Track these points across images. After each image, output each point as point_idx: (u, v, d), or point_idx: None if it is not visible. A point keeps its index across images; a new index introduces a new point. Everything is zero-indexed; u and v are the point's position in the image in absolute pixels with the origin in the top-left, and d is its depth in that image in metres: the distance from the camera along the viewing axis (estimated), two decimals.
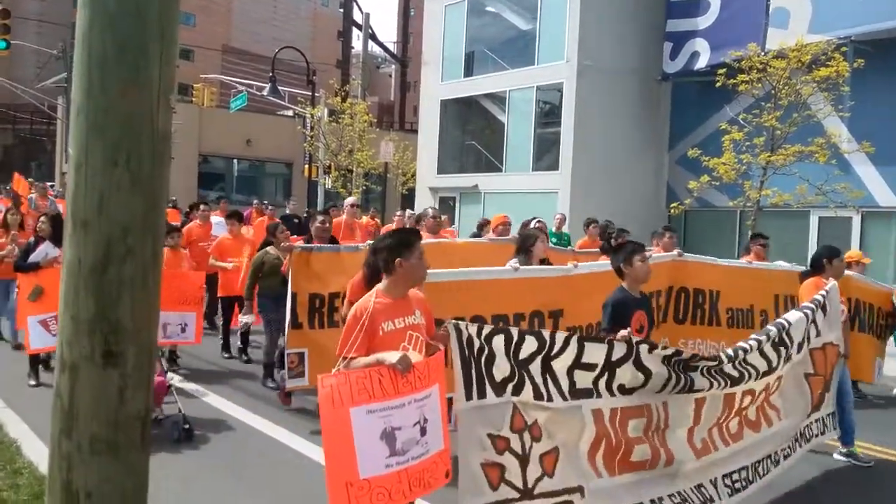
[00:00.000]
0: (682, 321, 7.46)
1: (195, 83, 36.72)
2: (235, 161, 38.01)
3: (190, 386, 7.84)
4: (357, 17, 38.60)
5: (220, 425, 6.56)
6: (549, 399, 3.69)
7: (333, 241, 7.76)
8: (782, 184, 13.89)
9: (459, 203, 22.74)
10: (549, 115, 20.86)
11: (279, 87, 24.63)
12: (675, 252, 7.70)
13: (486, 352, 3.59)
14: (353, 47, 43.30)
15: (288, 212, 14.55)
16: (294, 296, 6.52)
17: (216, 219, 11.77)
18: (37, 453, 5.27)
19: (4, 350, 8.74)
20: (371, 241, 7.20)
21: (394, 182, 28.18)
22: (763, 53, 13.93)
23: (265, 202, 17.21)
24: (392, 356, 3.38)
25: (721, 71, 13.98)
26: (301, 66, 33.63)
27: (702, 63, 18.27)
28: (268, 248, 7.97)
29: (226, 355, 9.37)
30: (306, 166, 27.29)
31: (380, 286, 3.76)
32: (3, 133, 57.11)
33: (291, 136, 34.37)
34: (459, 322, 3.60)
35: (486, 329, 3.63)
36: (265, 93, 24.36)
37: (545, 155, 20.57)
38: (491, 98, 22.19)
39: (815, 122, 14.04)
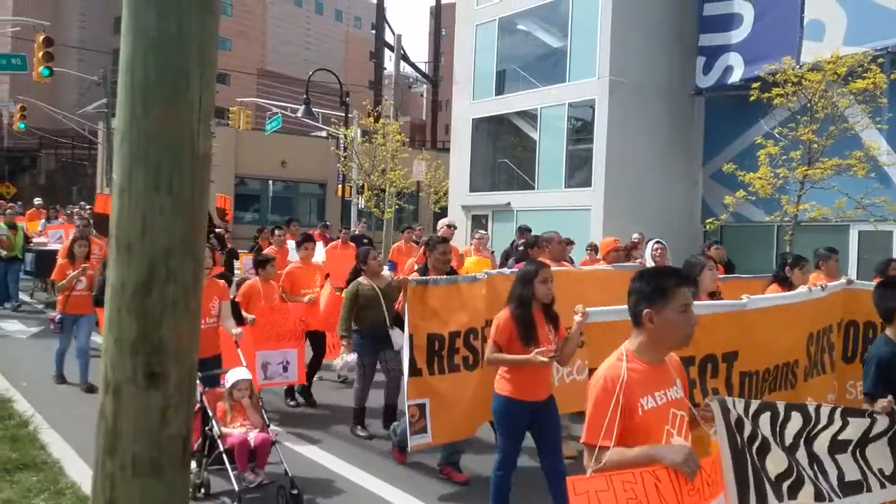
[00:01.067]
0: (850, 359, 6.30)
1: (231, 106, 37.44)
2: (270, 182, 38.52)
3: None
4: (389, 38, 39.07)
5: (328, 488, 5.68)
6: (830, 500, 2.97)
7: (453, 271, 6.71)
8: (820, 198, 13.66)
9: (492, 221, 22.75)
10: (580, 131, 20.83)
11: (313, 109, 24.94)
12: (844, 280, 6.50)
13: (758, 438, 2.82)
14: (384, 68, 43.82)
15: (357, 232, 13.92)
16: (410, 337, 5.58)
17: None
18: (79, 473, 5.33)
19: (47, 370, 8.86)
20: (491, 270, 6.51)
21: (426, 201, 28.31)
22: (798, 66, 13.78)
23: (326, 223, 16.55)
24: (670, 452, 2.52)
25: (755, 85, 13.85)
26: (334, 88, 34.08)
27: (735, 77, 18.13)
28: (360, 279, 7.07)
29: (291, 402, 8.05)
30: (340, 186, 27.58)
31: (629, 345, 2.82)
32: (47, 158, 58.65)
33: (325, 157, 34.78)
34: (726, 398, 2.83)
35: (754, 405, 2.88)
36: (299, 114, 24.70)
37: (577, 172, 20.52)
38: (522, 116, 22.23)
39: (853, 135, 13.82)
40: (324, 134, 34.94)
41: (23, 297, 14.74)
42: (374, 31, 47.68)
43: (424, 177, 24.93)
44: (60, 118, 41.23)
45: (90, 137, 45.17)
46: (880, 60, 13.24)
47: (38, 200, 22.67)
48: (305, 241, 8.59)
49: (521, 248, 9.17)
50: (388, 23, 38.46)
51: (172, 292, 2.86)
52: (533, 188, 21.47)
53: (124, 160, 2.79)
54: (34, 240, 15.19)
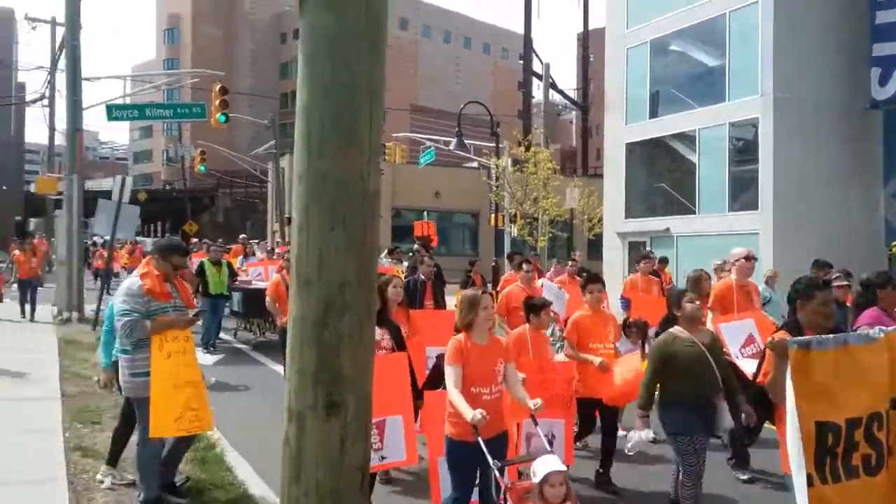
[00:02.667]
0: None
1: (387, 142, 38.94)
2: (426, 213, 39.56)
3: None
4: (537, 67, 39.27)
5: None
6: None
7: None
8: None
9: (650, 247, 22.05)
10: (743, 152, 19.82)
11: (465, 141, 25.41)
12: None
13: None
14: (533, 97, 43.98)
15: (572, 265, 11.36)
16: (797, 429, 3.77)
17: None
18: (262, 496, 5.58)
19: (228, 395, 9.45)
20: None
21: (580, 228, 27.97)
22: None
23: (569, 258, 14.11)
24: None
25: None
26: (484, 119, 34.58)
27: None
28: (673, 330, 5.22)
29: None
30: (492, 215, 27.84)
31: None
32: (223, 197, 63.58)
33: (476, 187, 35.32)
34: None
35: None
36: (452, 147, 25.22)
37: (742, 194, 19.51)
38: (679, 138, 21.50)
39: None
40: (475, 164, 35.50)
41: (225, 336, 13.84)
42: (521, 62, 48.05)
43: (577, 204, 24.64)
44: (235, 160, 44.60)
45: (261, 177, 48.45)
46: None
47: (242, 236, 22.48)
48: (591, 283, 6.58)
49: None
50: (535, 52, 38.64)
51: (348, 324, 2.98)
52: (694, 212, 20.63)
53: (302, 200, 2.96)
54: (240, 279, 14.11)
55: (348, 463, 3.02)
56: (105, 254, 17.43)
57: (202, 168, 37.80)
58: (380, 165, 3.06)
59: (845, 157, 18.55)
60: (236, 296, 13.35)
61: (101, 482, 5.58)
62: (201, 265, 12.50)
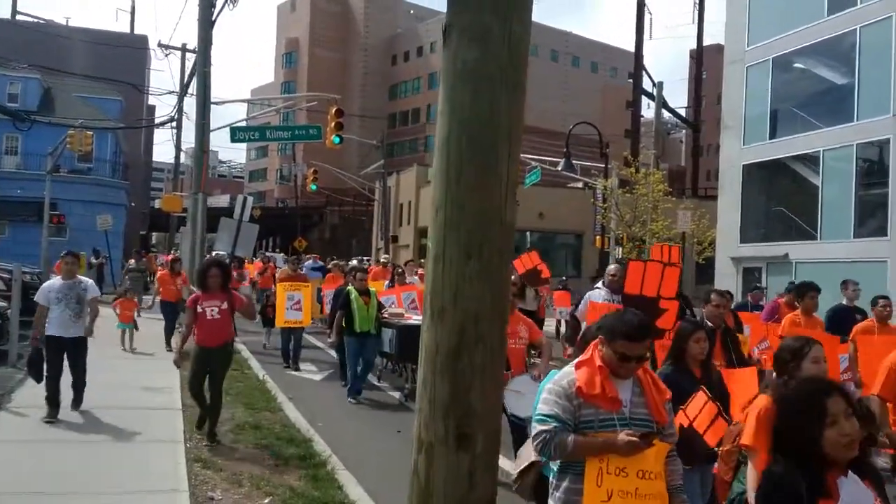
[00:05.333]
0: None
1: None
2: (528, 233, 39.39)
3: None
4: (646, 85, 38.48)
5: None
6: None
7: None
8: None
9: (766, 273, 21.08)
10: (872, 174, 18.71)
11: (573, 162, 25.17)
12: None
13: None
14: (642, 116, 43.12)
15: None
16: None
17: None
18: None
19: (340, 411, 9.58)
20: None
21: (690, 251, 27.09)
22: None
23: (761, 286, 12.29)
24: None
25: None
26: (590, 139, 34.18)
27: None
28: None
29: None
30: (598, 237, 27.39)
31: None
32: (331, 214, 65.50)
33: (581, 208, 34.81)
34: None
35: None
36: (560, 168, 25.02)
37: (869, 219, 18.39)
38: (801, 159, 20.52)
39: None
40: (580, 185, 35.08)
41: (373, 379, 11.27)
42: (630, 80, 47.24)
43: (689, 227, 23.89)
44: (346, 178, 45.88)
45: (368, 195, 49.63)
46: None
47: (385, 257, 20.32)
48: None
49: None
50: (646, 70, 37.91)
51: (481, 356, 2.97)
52: (815, 238, 19.59)
53: (439, 229, 2.97)
54: (388, 311, 10.98)
55: (477, 498, 2.99)
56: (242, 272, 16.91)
57: (313, 187, 39.09)
58: (518, 198, 3.05)
59: None
60: (387, 333, 10.54)
61: None
62: (347, 295, 10.04)
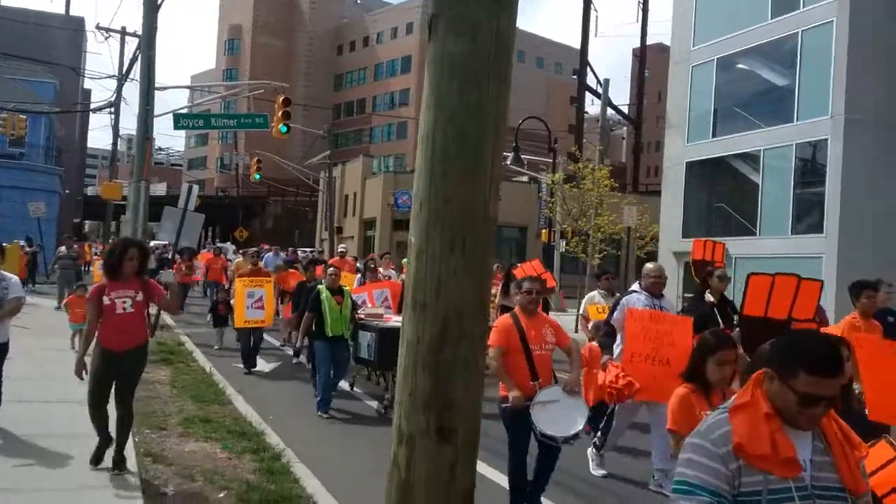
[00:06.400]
0: None
1: None
2: None
3: None
4: (590, 82, 38.98)
5: None
6: None
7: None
8: None
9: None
10: (810, 173, 19.37)
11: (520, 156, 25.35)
12: None
13: None
14: (586, 112, 43.69)
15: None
16: None
17: None
18: None
19: (292, 404, 9.40)
20: None
21: (632, 246, 27.60)
22: None
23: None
24: None
25: None
26: (535, 133, 34.49)
27: None
28: None
29: None
30: (543, 231, 27.68)
31: None
32: (274, 205, 64.58)
33: (525, 202, 35.15)
34: None
35: None
36: (509, 161, 25.16)
37: (806, 216, 19.05)
38: (742, 158, 21.12)
39: None
40: (525, 178, 35.35)
41: (344, 385, 10.03)
42: (574, 77, 47.83)
43: (634, 222, 24.34)
44: (289, 168, 45.25)
45: (312, 186, 49.06)
46: None
47: (342, 247, 18.33)
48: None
49: None
50: (591, 66, 38.41)
51: (464, 350, 2.95)
52: (754, 234, 20.20)
53: (422, 222, 2.93)
54: (365, 311, 9.90)
55: (457, 489, 2.99)
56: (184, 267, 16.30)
57: (257, 176, 38.43)
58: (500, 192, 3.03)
59: None
60: (365, 337, 9.30)
61: None
62: (317, 294, 8.81)
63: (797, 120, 19.13)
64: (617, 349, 6.71)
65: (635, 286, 7.03)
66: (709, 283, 7.29)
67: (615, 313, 6.74)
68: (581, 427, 5.45)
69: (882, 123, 17.64)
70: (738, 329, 6.74)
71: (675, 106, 23.49)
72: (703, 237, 21.81)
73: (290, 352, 12.06)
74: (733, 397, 2.32)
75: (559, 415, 5.30)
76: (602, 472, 6.78)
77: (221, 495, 5.58)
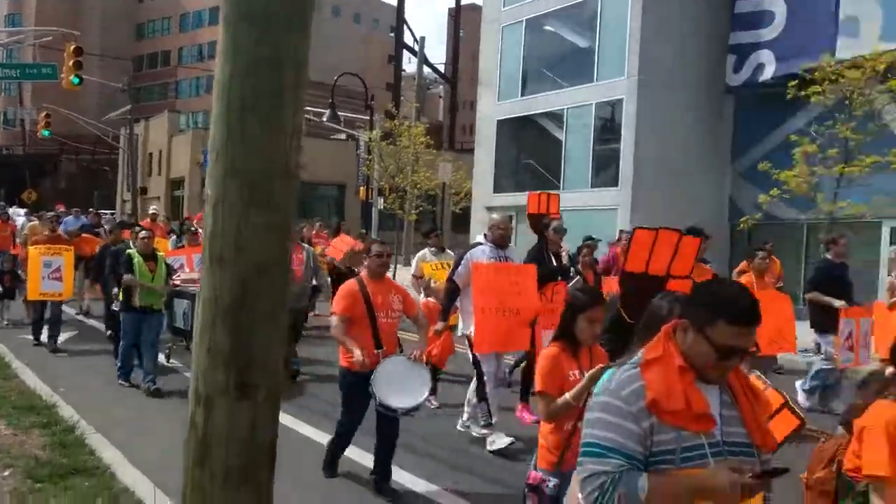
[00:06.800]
0: None
1: None
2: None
3: None
4: (408, 40, 39.15)
5: None
6: None
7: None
8: (856, 195, 13.50)
9: (517, 222, 22.64)
10: (607, 131, 20.73)
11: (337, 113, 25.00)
12: None
13: None
14: (403, 70, 43.85)
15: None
16: None
17: None
18: (131, 478, 5.29)
19: (81, 376, 8.79)
20: None
21: (448, 201, 28.35)
22: (835, 64, 13.61)
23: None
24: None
25: (792, 83, 13.69)
26: (353, 90, 34.16)
27: (767, 75, 17.95)
28: None
29: None
30: (361, 188, 27.65)
31: None
32: (68, 163, 59.22)
33: (344, 159, 34.85)
34: None
35: None
36: (325, 118, 24.75)
37: (604, 171, 20.43)
38: (548, 116, 22.17)
39: (891, 133, 13.65)
40: (343, 136, 35.02)
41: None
42: (392, 34, 47.70)
43: (449, 178, 24.93)
44: (82, 124, 41.58)
45: (112, 142, 45.51)
46: None
47: (154, 209, 16.65)
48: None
49: None
50: (407, 25, 38.49)
51: (264, 306, 2.87)
52: (558, 188, 21.38)
53: (219, 175, 2.81)
54: (181, 276, 9.61)
55: (258, 443, 2.95)
56: None
57: (46, 132, 34.94)
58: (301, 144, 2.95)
59: (700, 138, 19.77)
60: (181, 304, 8.90)
61: None
62: (128, 258, 8.04)
63: (596, 80, 20.33)
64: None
65: (480, 238, 6.93)
66: (546, 235, 7.16)
67: (459, 269, 6.59)
68: (423, 399, 5.32)
69: (671, 83, 19.19)
70: (575, 281, 7.01)
71: (487, 65, 24.13)
72: (512, 192, 22.91)
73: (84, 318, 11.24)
74: (641, 351, 2.17)
75: (402, 385, 5.15)
76: (507, 440, 6.29)
77: (6, 473, 5.17)
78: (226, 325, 2.84)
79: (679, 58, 19.25)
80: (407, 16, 37.66)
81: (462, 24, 47.10)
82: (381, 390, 5.10)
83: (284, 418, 6.53)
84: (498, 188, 23.33)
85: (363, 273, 5.60)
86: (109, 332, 9.80)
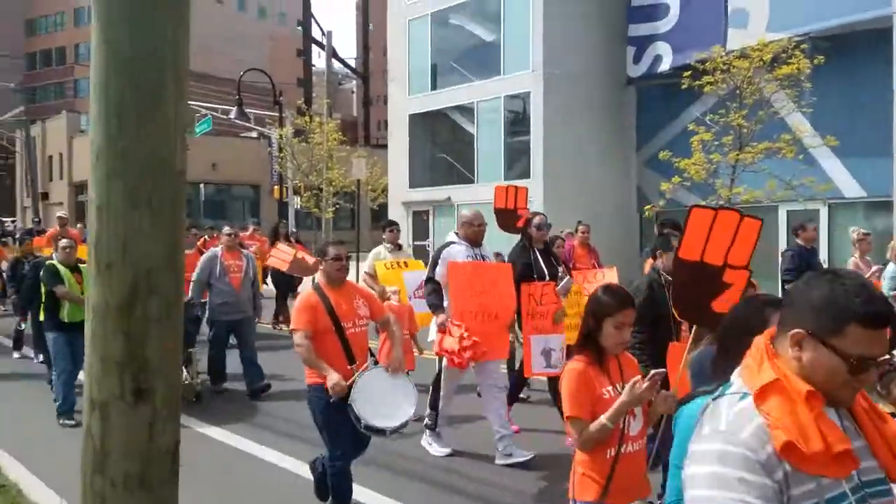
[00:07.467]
0: None
1: None
2: (202, 185, 37.74)
3: None
4: (316, 34, 38.66)
5: None
6: None
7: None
8: (752, 181, 14.19)
9: (433, 216, 22.82)
10: (517, 123, 21.08)
11: (245, 110, 24.52)
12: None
13: None
14: (313, 65, 43.32)
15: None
16: None
17: None
18: (39, 495, 5.20)
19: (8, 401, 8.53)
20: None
21: (364, 199, 28.19)
22: (726, 54, 14.25)
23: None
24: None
25: (686, 73, 14.26)
26: (262, 87, 33.52)
27: (665, 66, 18.62)
28: None
29: None
30: (276, 187, 27.23)
31: None
32: None
33: (257, 158, 34.28)
34: None
35: None
36: (231, 116, 24.23)
37: (516, 164, 20.78)
38: (459, 110, 22.37)
39: (780, 120, 14.40)
40: (255, 135, 34.38)
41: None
42: (300, 28, 47.02)
43: (364, 175, 24.79)
44: None
45: (7, 146, 43.30)
46: (804, 46, 13.80)
47: (62, 214, 15.52)
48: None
49: None
50: (315, 19, 38.05)
51: (156, 308, 2.84)
52: (472, 182, 21.63)
53: (101, 177, 2.75)
54: None
55: (158, 448, 2.91)
56: None
57: None
58: (187, 142, 2.93)
59: (606, 129, 20.35)
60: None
61: None
62: (54, 271, 7.43)
63: (504, 74, 20.64)
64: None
65: (452, 236, 6.36)
66: (528, 233, 6.65)
67: (437, 268, 6.04)
68: (411, 413, 4.73)
69: (575, 76, 19.68)
70: (566, 280, 6.59)
71: (396, 59, 24.13)
72: (427, 186, 23.03)
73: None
74: (737, 376, 1.72)
75: (385, 401, 4.56)
76: (445, 450, 6.09)
77: None
78: (118, 331, 2.80)
79: (581, 51, 19.75)
80: (315, 9, 37.19)
81: (372, 17, 46.90)
82: (363, 410, 4.47)
83: (245, 444, 6.43)
84: (413, 183, 23.41)
85: (320, 280, 4.93)
86: (41, 359, 9.07)
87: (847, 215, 16.44)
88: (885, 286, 8.41)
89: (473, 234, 6.17)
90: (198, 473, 5.88)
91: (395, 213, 23.87)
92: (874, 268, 8.40)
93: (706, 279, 3.44)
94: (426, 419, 6.22)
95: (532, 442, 6.21)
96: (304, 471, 5.37)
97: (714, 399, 1.70)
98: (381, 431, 4.56)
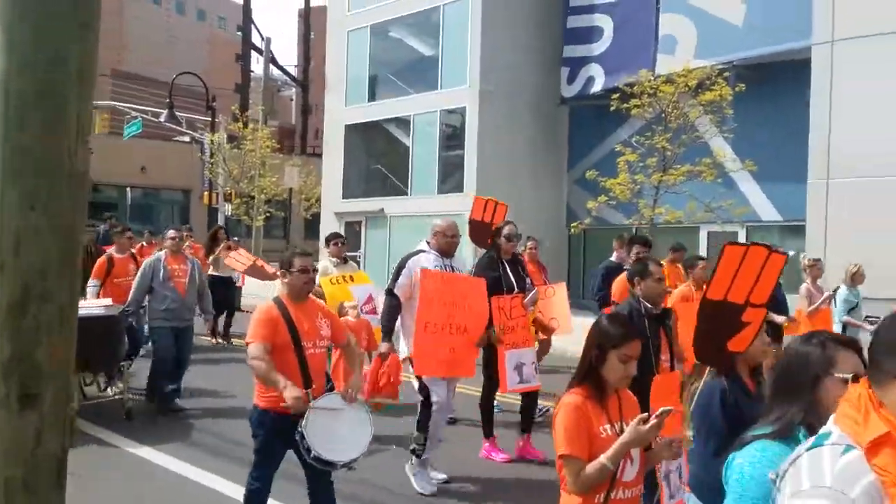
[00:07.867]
0: None
1: None
2: (129, 189, 36.72)
3: None
4: (256, 40, 38.17)
5: None
6: None
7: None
8: (674, 202, 14.65)
9: (366, 227, 22.76)
10: (452, 138, 21.25)
11: (177, 114, 24.04)
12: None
13: None
14: (252, 71, 42.73)
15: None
16: None
17: None
18: None
19: None
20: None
21: (297, 208, 27.96)
22: (654, 79, 14.71)
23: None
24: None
25: (615, 96, 14.65)
26: (198, 91, 32.91)
27: (597, 87, 19.06)
28: None
29: None
30: (206, 193, 26.75)
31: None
32: None
33: (189, 163, 33.56)
34: None
35: None
36: (162, 119, 23.72)
37: (450, 178, 20.92)
38: (395, 122, 22.41)
39: (703, 143, 14.92)
40: (187, 139, 33.72)
41: None
42: (239, 33, 46.36)
43: (296, 184, 24.59)
44: None
45: None
46: (726, 74, 14.38)
47: None
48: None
49: None
50: (255, 24, 37.59)
51: (48, 313, 2.78)
52: (406, 194, 21.67)
53: None
54: None
55: (44, 454, 2.84)
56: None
57: None
58: (91, 145, 2.88)
59: (539, 147, 20.68)
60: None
61: None
62: None
63: (441, 88, 20.79)
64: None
65: (422, 245, 6.13)
66: (498, 244, 6.46)
67: (400, 279, 5.81)
68: (365, 448, 4.34)
69: (510, 93, 19.97)
70: (533, 292, 6.47)
71: (335, 69, 24.03)
72: (361, 197, 22.97)
73: None
74: (833, 425, 1.58)
75: (339, 432, 4.21)
76: (429, 487, 5.63)
77: None
78: (6, 333, 2.73)
79: (517, 69, 20.07)
80: (256, 15, 36.80)
81: (312, 25, 46.64)
82: (314, 440, 4.12)
83: (193, 471, 6.05)
84: (347, 194, 23.31)
85: (282, 294, 4.55)
86: None
87: (764, 237, 17.13)
88: (837, 311, 8.55)
89: (446, 245, 5.96)
90: (109, 489, 5.75)
91: (328, 223, 23.73)
92: (825, 294, 8.43)
93: (727, 318, 3.33)
94: (412, 442, 5.76)
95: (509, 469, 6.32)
96: (233, 490, 5.25)
97: (808, 450, 1.55)
98: (330, 464, 4.23)
